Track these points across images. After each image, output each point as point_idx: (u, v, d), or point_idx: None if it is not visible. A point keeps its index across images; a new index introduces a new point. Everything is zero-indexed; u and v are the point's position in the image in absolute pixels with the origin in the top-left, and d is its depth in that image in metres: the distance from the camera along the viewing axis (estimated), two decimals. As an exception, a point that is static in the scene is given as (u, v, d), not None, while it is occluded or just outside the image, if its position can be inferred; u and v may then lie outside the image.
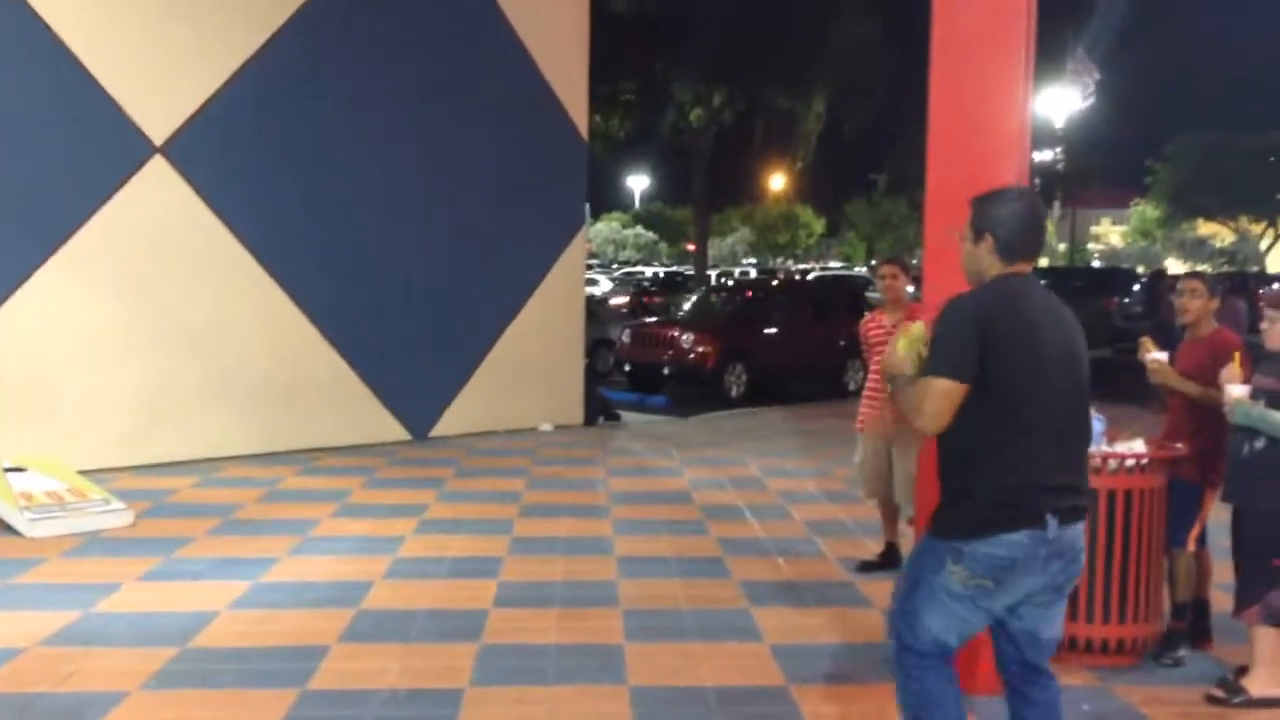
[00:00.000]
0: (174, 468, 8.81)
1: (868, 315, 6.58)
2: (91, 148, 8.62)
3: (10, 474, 7.12)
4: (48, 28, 8.33)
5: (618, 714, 4.22)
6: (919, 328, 3.24)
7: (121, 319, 8.81)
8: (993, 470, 3.01)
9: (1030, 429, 3.01)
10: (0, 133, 8.19)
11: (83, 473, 7.55)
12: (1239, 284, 26.44)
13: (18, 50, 8.25)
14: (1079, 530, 3.10)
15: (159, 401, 8.99)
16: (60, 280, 8.49)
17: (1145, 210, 59.64)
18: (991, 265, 3.15)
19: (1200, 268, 44.55)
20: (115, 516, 6.97)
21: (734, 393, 14.55)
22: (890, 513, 6.29)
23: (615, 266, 47.33)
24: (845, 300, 17.58)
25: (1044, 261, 56.37)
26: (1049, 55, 28.95)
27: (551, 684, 4.51)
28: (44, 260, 8.44)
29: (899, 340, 3.23)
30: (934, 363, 3.03)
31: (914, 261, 16.75)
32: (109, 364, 8.73)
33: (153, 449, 8.92)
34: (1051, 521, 2.99)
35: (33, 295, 8.39)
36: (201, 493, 8.09)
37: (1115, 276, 29.73)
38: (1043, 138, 36.97)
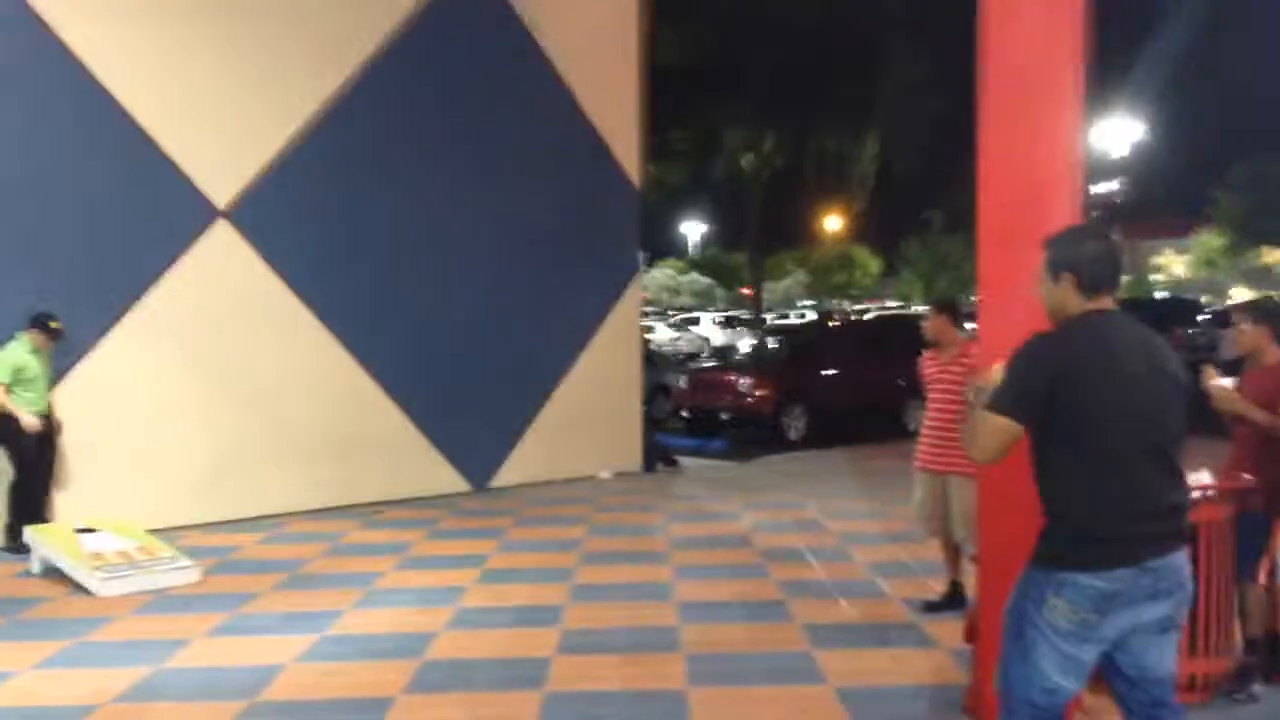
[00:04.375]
0: (239, 524, 8.95)
1: (925, 354, 6.54)
2: (158, 213, 8.88)
3: (82, 534, 7.29)
4: (113, 97, 8.62)
5: (681, 760, 4.20)
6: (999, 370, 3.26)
7: (188, 379, 9.02)
8: (1088, 501, 3.01)
9: (1121, 459, 3.01)
10: (72, 199, 8.49)
11: (151, 531, 7.71)
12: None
13: (85, 119, 8.55)
14: (1181, 559, 3.06)
15: (225, 459, 9.16)
16: (130, 342, 8.73)
17: (1209, 240, 58.61)
18: (1073, 302, 3.15)
19: (1271, 294, 43.59)
20: (183, 574, 7.10)
21: (793, 435, 14.47)
22: (952, 551, 6.21)
23: (671, 313, 47.43)
24: (903, 339, 17.43)
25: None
26: (1107, 87, 28.76)
27: (615, 731, 4.50)
28: (115, 323, 8.70)
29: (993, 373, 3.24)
30: (998, 397, 3.05)
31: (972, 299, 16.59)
32: (176, 423, 8.93)
33: (219, 506, 9.08)
34: (1149, 551, 2.98)
35: (104, 357, 8.63)
36: (267, 549, 8.21)
37: (1179, 307, 29.23)
38: (1101, 169, 36.64)
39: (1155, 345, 3.14)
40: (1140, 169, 39.56)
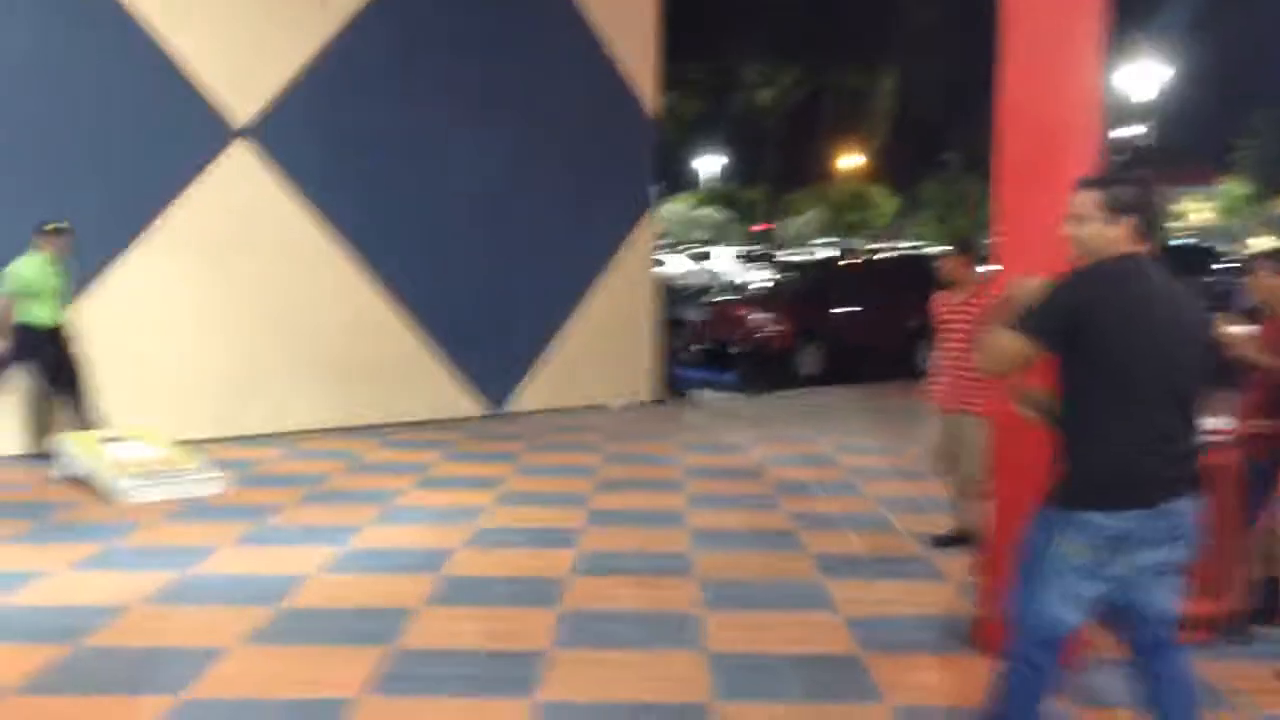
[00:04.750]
0: (261, 440, 9.12)
1: (938, 294, 6.59)
2: (178, 132, 8.94)
3: (109, 443, 7.45)
4: (133, 17, 8.63)
5: (695, 678, 4.35)
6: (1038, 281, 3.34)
7: (209, 297, 9.13)
8: (1107, 442, 3.10)
9: (1142, 402, 3.08)
10: (92, 118, 8.54)
11: (177, 442, 7.87)
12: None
13: (106, 39, 8.58)
14: (1189, 504, 3.16)
15: (245, 376, 9.31)
16: (151, 258, 8.84)
17: (1233, 188, 57.97)
18: (1123, 245, 3.16)
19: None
20: (209, 485, 7.27)
21: (805, 371, 14.57)
22: (963, 488, 6.31)
23: (683, 247, 47.25)
24: (917, 279, 17.43)
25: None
26: (1130, 30, 28.33)
27: (630, 649, 4.65)
28: (135, 239, 8.79)
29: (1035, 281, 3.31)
30: (1025, 317, 3.12)
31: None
32: (197, 340, 9.07)
33: (240, 422, 9.24)
34: (1161, 494, 3.08)
35: (125, 273, 8.75)
36: (289, 464, 8.38)
37: (1194, 254, 29.02)
38: (1125, 113, 36.19)
39: (1181, 294, 3.20)
40: (1165, 114, 39.03)
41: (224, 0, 9.09)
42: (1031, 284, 3.30)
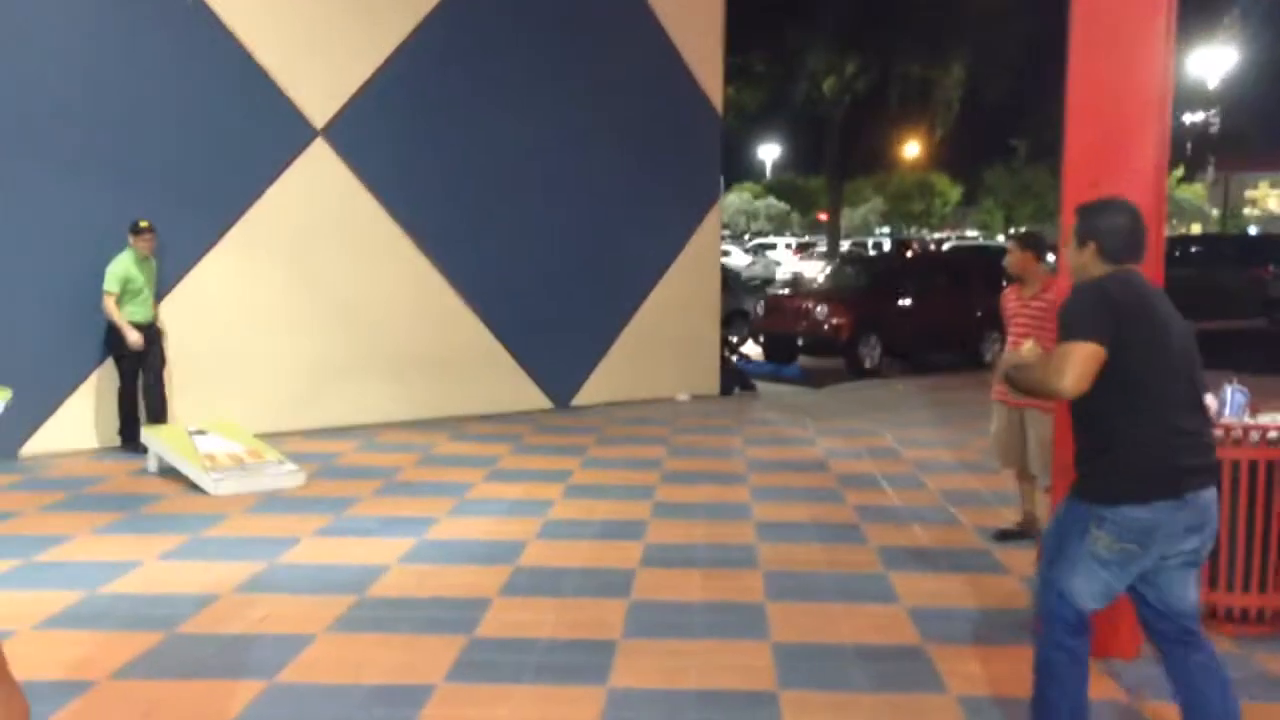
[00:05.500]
0: (336, 432, 9.40)
1: (1006, 288, 6.63)
2: (259, 132, 9.22)
3: (194, 437, 7.75)
4: (220, 21, 8.92)
5: (761, 667, 4.48)
6: (1029, 346, 3.72)
7: (287, 293, 9.42)
8: (1131, 435, 3.21)
9: (1162, 396, 3.22)
10: (178, 119, 8.84)
11: (257, 435, 8.16)
12: None
13: (192, 41, 8.86)
14: (1213, 495, 3.26)
15: (321, 370, 9.60)
16: (233, 257, 9.14)
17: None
18: (1095, 269, 3.38)
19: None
20: (290, 477, 7.54)
21: (868, 364, 14.59)
22: (1027, 482, 6.36)
23: (747, 237, 47.22)
24: (981, 270, 17.36)
25: (1195, 228, 53.97)
26: (1202, 14, 27.77)
27: (698, 638, 4.79)
28: (218, 238, 9.09)
29: (1021, 348, 3.74)
30: (1071, 330, 3.20)
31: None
32: (276, 334, 9.36)
33: (317, 414, 9.53)
34: (1188, 484, 3.19)
35: (209, 270, 9.06)
36: (364, 456, 8.64)
37: (1270, 244, 28.46)
38: (1195, 99, 35.49)
39: (1169, 302, 3.38)
40: (1236, 99, 38.18)
41: (305, 2, 9.35)
42: (1026, 349, 3.66)
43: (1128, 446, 3.21)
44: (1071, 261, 3.46)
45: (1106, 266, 3.35)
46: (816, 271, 23.38)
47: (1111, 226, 3.37)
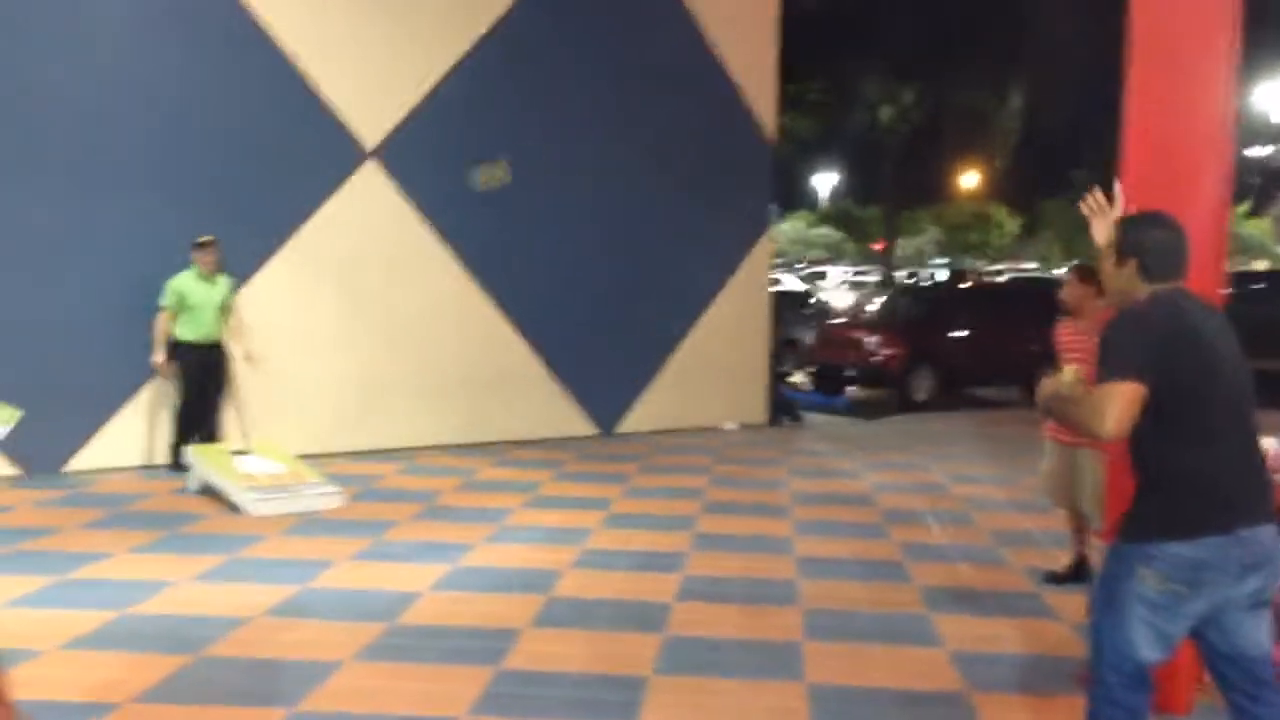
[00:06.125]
0: (380, 454, 9.38)
1: (1061, 321, 6.45)
2: (311, 152, 9.29)
3: (235, 457, 7.76)
4: (274, 43, 9.01)
5: (795, 710, 4.33)
6: (1071, 374, 3.35)
7: (335, 313, 9.46)
8: (1178, 468, 3.04)
9: (1213, 430, 3.03)
10: (233, 139, 8.92)
11: (299, 456, 8.15)
12: None
13: (247, 63, 8.97)
14: (1271, 533, 3.06)
15: (367, 392, 9.60)
16: (282, 276, 9.20)
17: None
18: (1136, 286, 3.19)
19: None
20: (329, 499, 7.51)
21: (920, 396, 14.35)
22: (1079, 523, 6.15)
23: (798, 266, 46.93)
24: (1037, 303, 17.02)
25: (1261, 265, 52.85)
26: (1269, 48, 27.24)
27: (731, 677, 4.65)
28: (269, 257, 9.15)
29: (1062, 375, 3.36)
30: (1112, 368, 3.01)
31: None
32: (323, 355, 9.39)
33: (361, 436, 9.53)
34: (1240, 520, 3.00)
35: (258, 290, 9.10)
36: (405, 479, 8.60)
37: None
38: (1263, 133, 34.81)
39: (1225, 324, 3.20)
40: (1307, 133, 37.36)
41: (358, 25, 9.42)
42: (1068, 379, 3.30)
43: (1174, 480, 3.04)
44: (1110, 279, 3.28)
45: (1148, 285, 3.17)
46: (847, 301, 23.22)
47: (1153, 241, 3.19)
